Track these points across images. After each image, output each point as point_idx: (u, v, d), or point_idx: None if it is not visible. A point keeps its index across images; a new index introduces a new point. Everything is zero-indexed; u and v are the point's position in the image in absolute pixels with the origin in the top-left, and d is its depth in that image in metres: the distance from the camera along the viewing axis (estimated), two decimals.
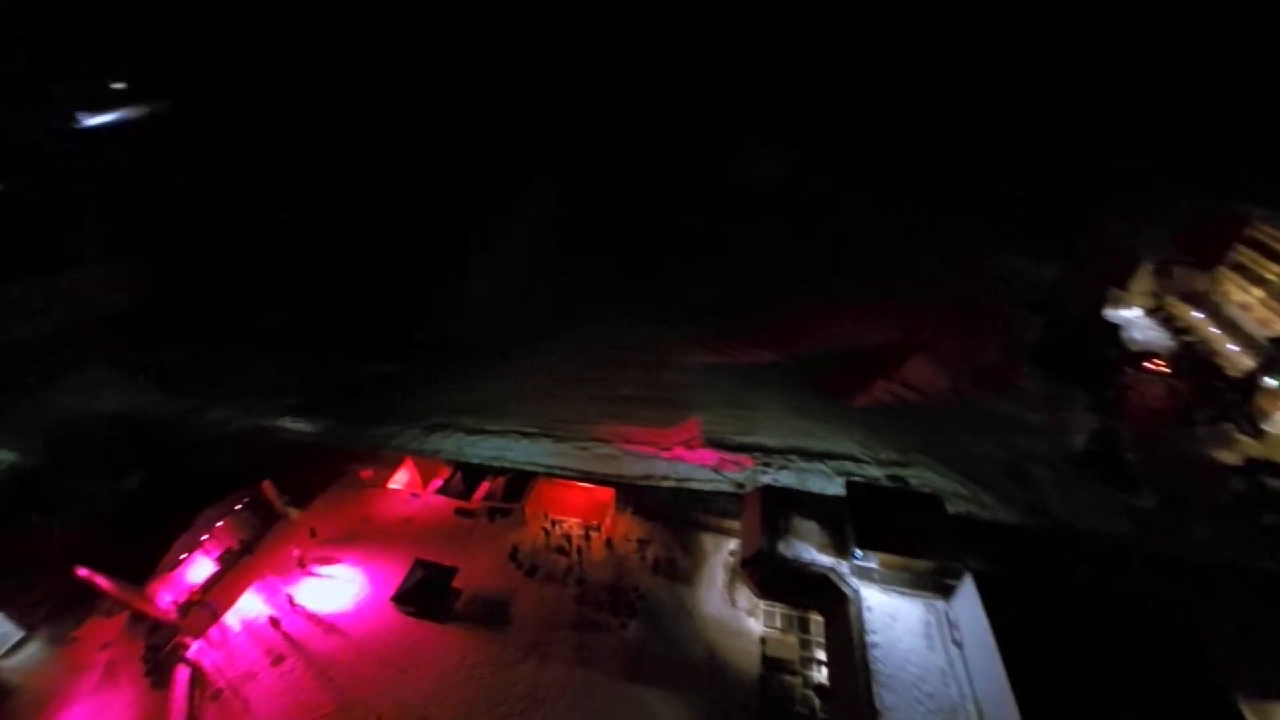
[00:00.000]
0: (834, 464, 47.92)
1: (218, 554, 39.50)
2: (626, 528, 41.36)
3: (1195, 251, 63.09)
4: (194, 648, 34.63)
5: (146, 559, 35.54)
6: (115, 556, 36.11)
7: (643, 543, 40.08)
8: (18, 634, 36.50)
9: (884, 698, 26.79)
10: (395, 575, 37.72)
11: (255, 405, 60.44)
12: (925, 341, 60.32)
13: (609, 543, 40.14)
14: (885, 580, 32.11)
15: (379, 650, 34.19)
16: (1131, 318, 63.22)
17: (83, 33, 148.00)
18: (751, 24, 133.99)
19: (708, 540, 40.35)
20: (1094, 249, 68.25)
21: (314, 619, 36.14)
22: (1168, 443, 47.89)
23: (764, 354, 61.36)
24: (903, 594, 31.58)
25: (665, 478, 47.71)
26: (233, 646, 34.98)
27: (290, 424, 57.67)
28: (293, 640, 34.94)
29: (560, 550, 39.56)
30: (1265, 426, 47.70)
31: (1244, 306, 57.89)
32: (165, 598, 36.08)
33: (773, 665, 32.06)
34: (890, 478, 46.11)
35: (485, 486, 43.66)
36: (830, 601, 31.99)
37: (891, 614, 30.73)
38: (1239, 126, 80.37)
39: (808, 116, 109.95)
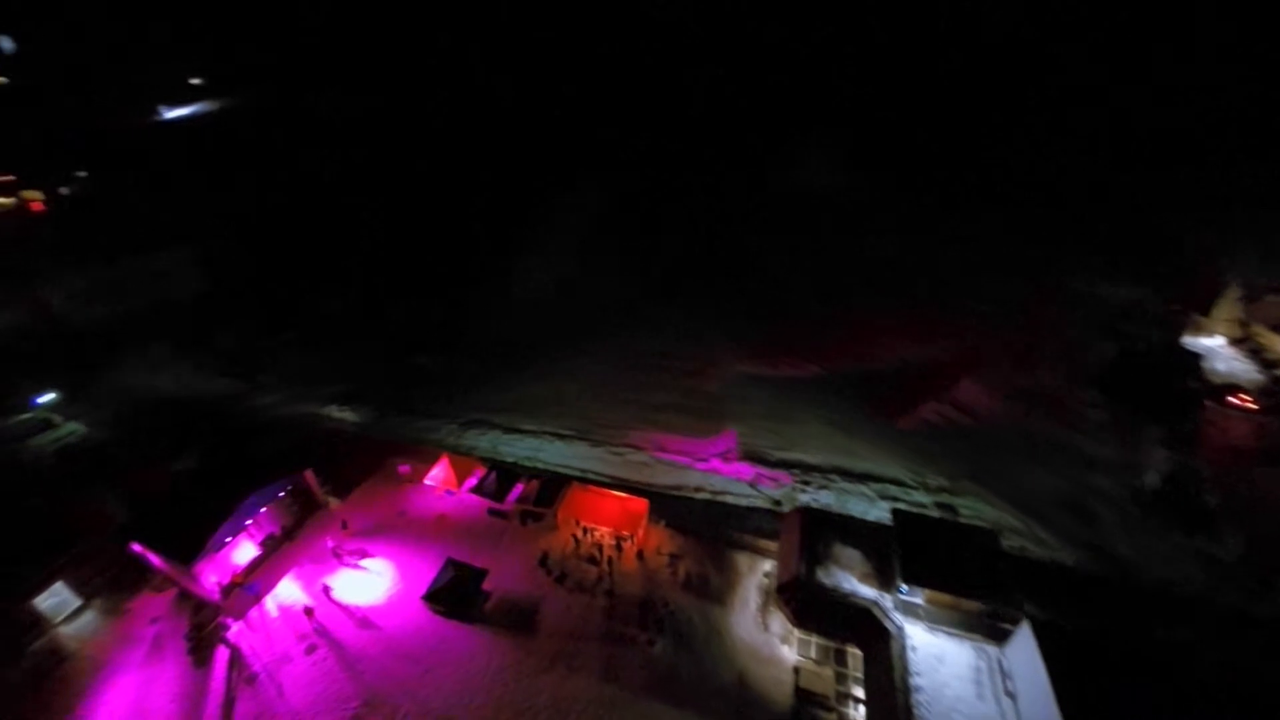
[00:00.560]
0: (877, 486, 45.86)
1: (260, 539, 40.67)
2: (659, 540, 40.48)
3: None
4: (234, 629, 35.68)
5: (194, 539, 36.82)
6: (166, 534, 37.56)
7: (675, 557, 39.13)
8: (76, 601, 38.47)
9: None
10: (426, 572, 37.98)
11: (303, 392, 62.51)
12: (980, 361, 57.27)
13: (640, 555, 39.36)
14: (932, 619, 30.30)
15: (408, 647, 34.38)
16: (1213, 347, 58.29)
17: (165, 32, 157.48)
18: (805, 23, 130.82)
19: (742, 559, 39.07)
20: (1176, 270, 63.26)
21: (347, 610, 36.69)
22: (1253, 486, 43.75)
23: (807, 367, 59.50)
24: (951, 635, 29.71)
25: (699, 489, 46.66)
26: (269, 631, 35.85)
27: (335, 412, 59.30)
28: (326, 630, 35.53)
29: (591, 559, 39.02)
30: None
31: None
32: (210, 578, 37.31)
33: (806, 698, 30.55)
34: (938, 505, 43.74)
35: (519, 488, 43.55)
36: (871, 637, 30.38)
37: (938, 656, 28.92)
38: None
39: (862, 120, 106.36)
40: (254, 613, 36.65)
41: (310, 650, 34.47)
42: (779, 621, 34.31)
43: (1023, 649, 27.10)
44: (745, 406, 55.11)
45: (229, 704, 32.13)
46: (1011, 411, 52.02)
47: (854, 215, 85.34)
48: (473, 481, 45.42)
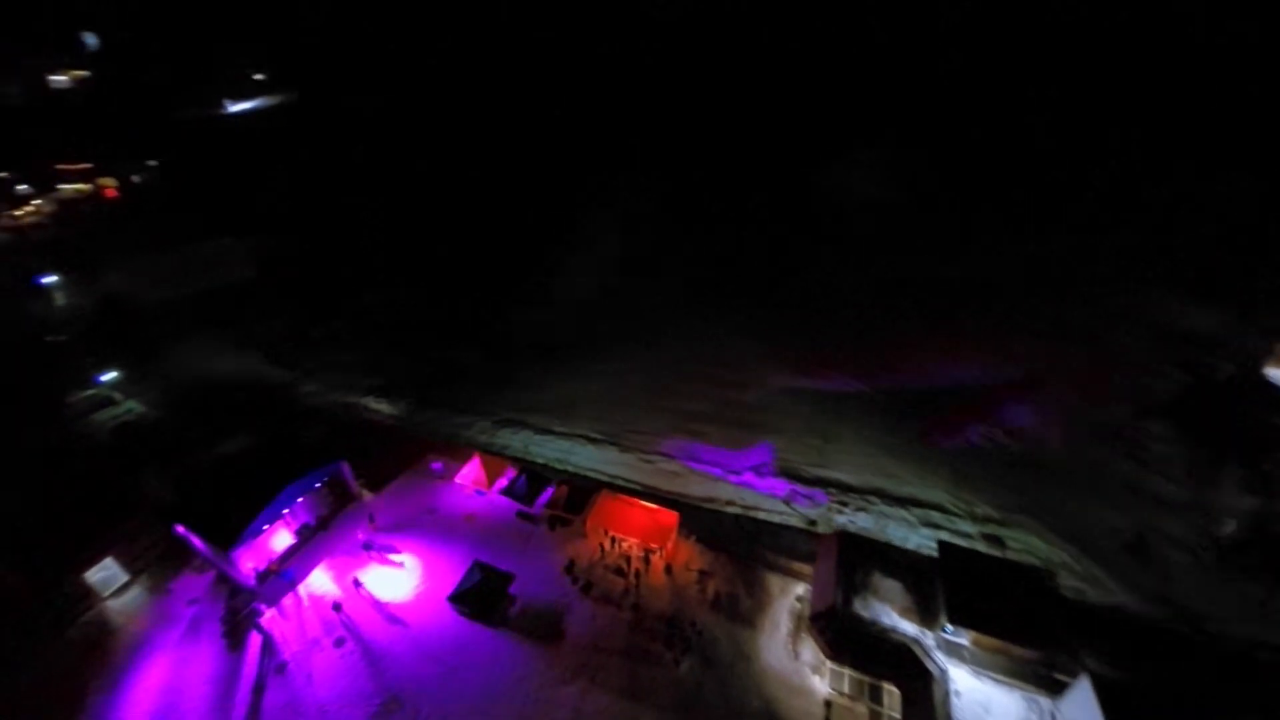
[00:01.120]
0: (919, 512, 43.61)
1: (296, 528, 41.49)
2: (688, 555, 39.45)
3: None
4: (267, 615, 36.39)
5: (234, 524, 37.76)
6: (209, 518, 38.65)
7: (704, 574, 38.02)
8: (124, 577, 40.03)
9: None
10: (453, 571, 37.99)
11: (343, 381, 63.88)
12: (1037, 386, 54.00)
13: (668, 569, 38.41)
14: (978, 662, 28.37)
15: (432, 647, 34.36)
16: None
17: (229, 30, 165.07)
18: (869, 22, 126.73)
19: (773, 580, 37.66)
20: (1264, 296, 58.22)
21: (375, 605, 36.98)
22: None
23: (850, 382, 57.28)
24: (999, 682, 27.75)
25: (730, 502, 45.37)
26: (301, 620, 36.43)
27: (373, 404, 60.34)
28: (354, 624, 35.87)
29: (618, 570, 38.27)
30: None
31: None
32: (247, 564, 38.20)
33: None
34: (984, 536, 41.26)
35: (549, 493, 43.21)
36: (911, 676, 28.64)
37: (984, 704, 27.03)
38: None
39: (920, 128, 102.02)
40: (286, 600, 37.33)
41: (339, 643, 34.83)
42: (810, 650, 32.82)
43: (1081, 704, 25.01)
44: (783, 420, 53.42)
45: (259, 691, 32.72)
46: (1071, 441, 48.79)
47: (907, 228, 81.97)
48: (503, 483, 45.34)
